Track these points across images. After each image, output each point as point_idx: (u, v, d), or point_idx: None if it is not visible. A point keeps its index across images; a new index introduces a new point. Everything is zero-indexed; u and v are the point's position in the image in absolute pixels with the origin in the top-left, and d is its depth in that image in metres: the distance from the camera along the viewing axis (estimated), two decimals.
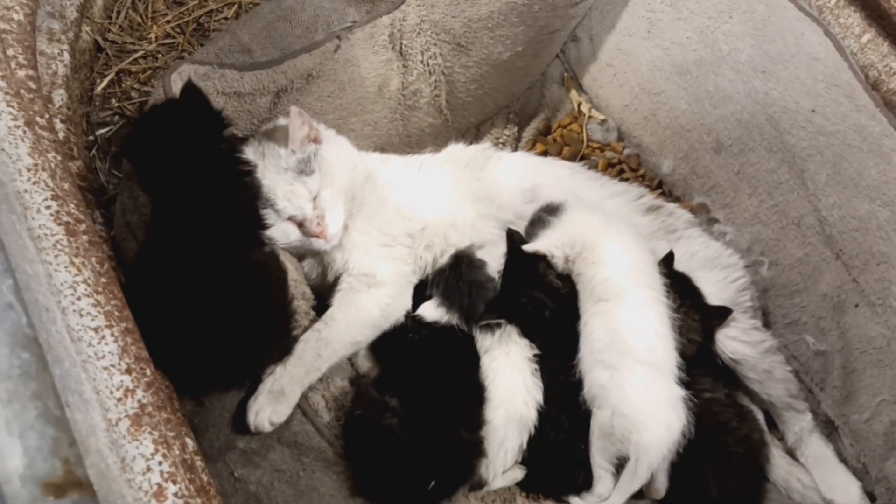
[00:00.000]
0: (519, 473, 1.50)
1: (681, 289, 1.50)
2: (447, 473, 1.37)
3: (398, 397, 1.40)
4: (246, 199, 1.43)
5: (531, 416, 1.46)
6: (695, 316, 1.49)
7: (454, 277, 1.51)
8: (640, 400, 1.35)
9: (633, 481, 1.37)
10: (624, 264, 1.46)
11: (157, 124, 1.41)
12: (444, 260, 1.57)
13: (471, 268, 1.52)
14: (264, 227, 1.44)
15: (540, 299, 1.49)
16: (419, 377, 1.44)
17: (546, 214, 1.54)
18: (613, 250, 1.47)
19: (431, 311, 1.50)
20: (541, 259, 1.49)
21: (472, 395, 1.45)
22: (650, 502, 1.47)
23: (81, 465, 0.69)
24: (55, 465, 0.66)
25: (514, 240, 1.52)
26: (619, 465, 1.39)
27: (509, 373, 1.48)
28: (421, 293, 1.58)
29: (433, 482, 1.34)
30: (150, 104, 1.53)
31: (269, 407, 1.37)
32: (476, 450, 1.42)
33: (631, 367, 1.36)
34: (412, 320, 1.51)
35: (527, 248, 1.50)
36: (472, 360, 1.49)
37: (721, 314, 1.53)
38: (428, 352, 1.49)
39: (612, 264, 1.45)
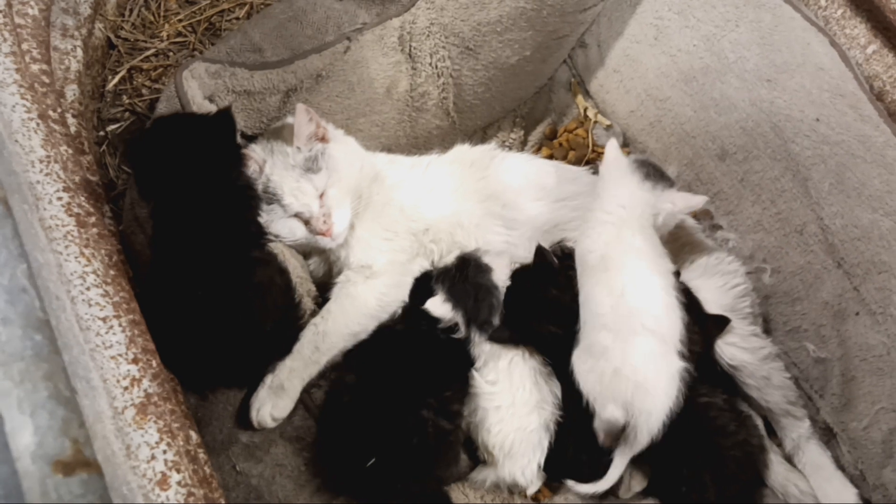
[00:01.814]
0: (541, 474, 1.51)
1: (684, 304, 1.47)
2: (405, 454, 1.36)
3: (357, 375, 1.42)
4: (248, 216, 1.44)
5: (548, 418, 1.47)
6: (696, 329, 1.48)
7: (461, 279, 1.50)
8: (645, 365, 1.34)
9: (631, 448, 1.37)
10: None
11: (172, 132, 1.41)
12: (449, 259, 1.57)
13: (477, 271, 1.51)
14: (267, 239, 1.46)
15: (549, 331, 1.47)
16: (383, 357, 1.46)
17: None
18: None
19: (438, 306, 1.47)
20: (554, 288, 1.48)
21: (443, 380, 1.45)
22: (655, 502, 1.50)
23: (90, 445, 0.71)
24: (65, 444, 0.68)
25: (543, 256, 1.50)
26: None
27: (518, 378, 1.48)
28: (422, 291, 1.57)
29: (373, 459, 1.32)
30: (160, 111, 1.52)
31: (270, 402, 1.38)
32: (445, 438, 1.41)
33: (636, 331, 1.35)
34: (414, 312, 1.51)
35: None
36: (446, 349, 1.49)
37: (719, 324, 1.51)
38: (403, 338, 1.50)
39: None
